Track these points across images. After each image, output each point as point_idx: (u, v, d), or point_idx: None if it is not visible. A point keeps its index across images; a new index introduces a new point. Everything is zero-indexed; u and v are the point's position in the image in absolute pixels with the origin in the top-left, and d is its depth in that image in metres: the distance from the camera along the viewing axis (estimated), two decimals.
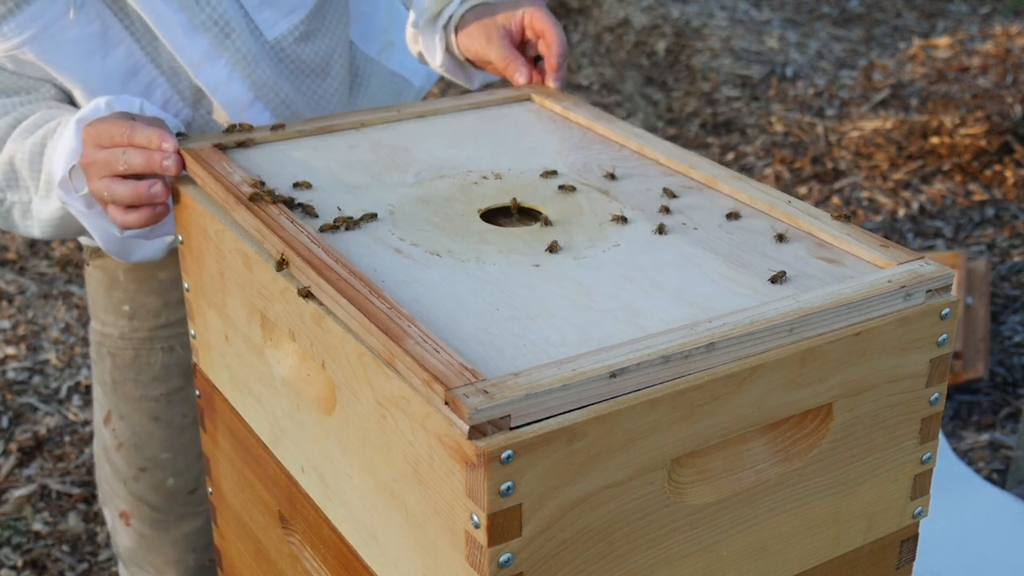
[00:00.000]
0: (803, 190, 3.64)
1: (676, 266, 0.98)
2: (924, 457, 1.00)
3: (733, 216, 1.07)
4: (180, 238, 1.20)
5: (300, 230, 1.01)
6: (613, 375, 0.82)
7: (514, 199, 1.11)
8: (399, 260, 0.99)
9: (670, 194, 1.10)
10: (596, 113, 1.29)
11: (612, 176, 1.14)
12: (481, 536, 0.80)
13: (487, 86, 1.53)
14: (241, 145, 1.21)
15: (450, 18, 1.38)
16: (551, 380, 0.80)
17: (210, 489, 1.30)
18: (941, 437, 2.39)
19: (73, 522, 2.38)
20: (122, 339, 1.55)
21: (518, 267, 0.98)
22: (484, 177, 1.16)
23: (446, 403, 0.79)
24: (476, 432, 0.77)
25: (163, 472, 1.57)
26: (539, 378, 0.80)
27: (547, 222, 1.06)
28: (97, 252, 1.55)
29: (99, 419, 1.60)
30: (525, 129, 1.28)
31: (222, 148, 1.19)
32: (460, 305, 0.92)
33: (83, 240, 1.54)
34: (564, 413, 0.80)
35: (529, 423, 0.79)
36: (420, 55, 1.47)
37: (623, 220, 1.06)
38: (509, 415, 0.78)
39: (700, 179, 1.14)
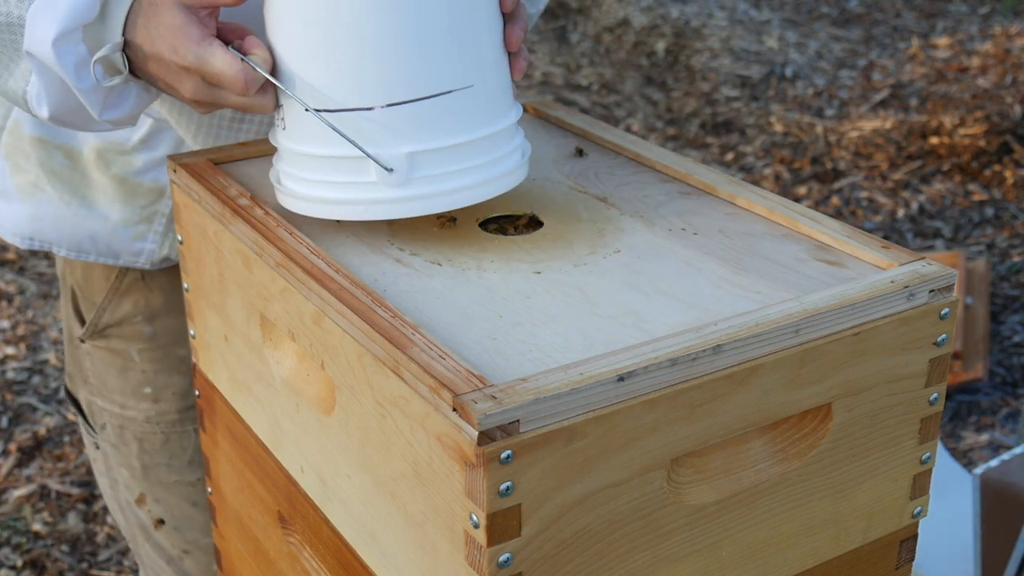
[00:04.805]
0: (802, 190, 3.64)
1: (677, 271, 0.98)
2: (923, 457, 1.00)
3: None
4: (180, 238, 1.20)
5: (299, 241, 1.01)
6: (621, 379, 0.82)
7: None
8: (400, 270, 1.00)
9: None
10: (590, 121, 1.29)
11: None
12: (480, 536, 0.80)
13: None
14: (235, 159, 1.21)
15: None
16: (559, 385, 0.80)
17: (209, 489, 1.31)
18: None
19: (73, 522, 2.38)
20: (148, 423, 1.40)
21: (519, 274, 0.98)
22: None
23: (454, 409, 0.79)
24: (485, 438, 0.77)
25: (207, 557, 1.46)
26: (547, 383, 0.80)
27: (545, 229, 1.06)
28: (96, 331, 1.40)
29: (128, 499, 1.46)
30: None
31: (216, 163, 1.19)
32: (463, 313, 0.92)
33: (70, 321, 1.41)
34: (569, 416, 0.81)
35: (538, 428, 0.79)
36: None
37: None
38: (518, 420, 0.78)
39: (698, 185, 1.14)
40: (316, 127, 0.99)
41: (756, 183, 3.63)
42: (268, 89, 1.01)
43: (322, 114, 0.98)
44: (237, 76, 0.98)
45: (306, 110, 0.98)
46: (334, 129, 0.97)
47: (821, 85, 4.33)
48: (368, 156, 0.98)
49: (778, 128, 4.01)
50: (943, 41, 4.63)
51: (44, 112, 1.07)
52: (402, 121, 0.98)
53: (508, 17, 1.03)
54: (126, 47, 1.03)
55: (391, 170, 0.98)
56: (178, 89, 1.02)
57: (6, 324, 2.99)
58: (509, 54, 1.04)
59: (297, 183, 1.03)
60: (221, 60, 0.98)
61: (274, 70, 1.01)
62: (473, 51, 1.00)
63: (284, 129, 1.03)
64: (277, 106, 1.03)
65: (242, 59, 0.98)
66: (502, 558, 0.80)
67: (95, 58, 1.01)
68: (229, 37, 1.01)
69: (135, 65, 1.04)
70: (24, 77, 1.07)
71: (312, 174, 1.02)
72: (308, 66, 0.99)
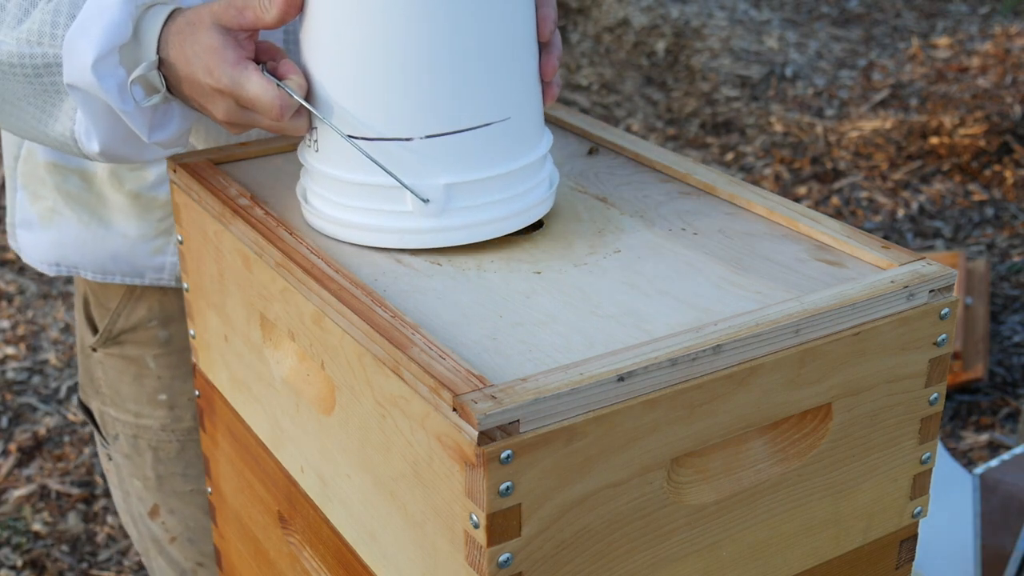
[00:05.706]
0: (802, 190, 3.64)
1: (678, 271, 0.98)
2: (923, 457, 1.00)
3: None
4: (180, 238, 1.20)
5: (299, 241, 1.01)
6: (621, 379, 0.82)
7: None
8: (400, 269, 1.00)
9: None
10: (591, 121, 1.29)
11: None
12: (480, 536, 0.80)
13: None
14: (235, 159, 1.20)
15: None
16: (559, 384, 0.80)
17: (209, 489, 1.31)
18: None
19: (73, 522, 2.38)
20: (164, 431, 1.39)
21: (519, 275, 0.98)
22: None
23: (454, 409, 0.79)
24: (485, 438, 0.77)
25: None
26: (547, 383, 0.80)
27: (545, 229, 1.06)
28: (111, 338, 1.39)
29: (141, 511, 1.45)
30: None
31: (216, 163, 1.19)
32: (463, 313, 0.92)
33: (82, 330, 1.42)
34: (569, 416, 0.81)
35: (538, 428, 0.79)
36: None
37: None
38: (518, 420, 0.78)
39: (698, 185, 1.14)
40: (351, 153, 0.98)
41: (756, 183, 3.64)
42: (302, 113, 1.00)
43: (359, 142, 0.97)
44: (272, 102, 0.97)
45: (342, 137, 0.98)
46: (370, 159, 0.97)
47: (821, 85, 4.33)
48: (405, 187, 0.97)
49: (778, 128, 4.01)
50: (943, 41, 4.64)
51: (95, 147, 1.07)
52: (440, 152, 0.97)
53: (543, 46, 1.03)
54: (161, 65, 1.02)
55: (427, 201, 0.98)
56: (211, 110, 1.02)
57: (6, 324, 3.00)
58: (542, 82, 1.04)
59: (328, 205, 1.02)
60: (256, 85, 0.97)
61: (309, 95, 0.99)
62: (512, 83, 0.99)
63: (316, 152, 1.02)
64: (310, 128, 1.02)
65: (278, 84, 0.97)
66: (502, 558, 0.80)
67: (132, 77, 1.01)
68: (262, 57, 1.01)
69: (171, 84, 1.04)
70: (69, 116, 1.06)
71: (344, 199, 1.01)
72: (346, 94, 0.97)
